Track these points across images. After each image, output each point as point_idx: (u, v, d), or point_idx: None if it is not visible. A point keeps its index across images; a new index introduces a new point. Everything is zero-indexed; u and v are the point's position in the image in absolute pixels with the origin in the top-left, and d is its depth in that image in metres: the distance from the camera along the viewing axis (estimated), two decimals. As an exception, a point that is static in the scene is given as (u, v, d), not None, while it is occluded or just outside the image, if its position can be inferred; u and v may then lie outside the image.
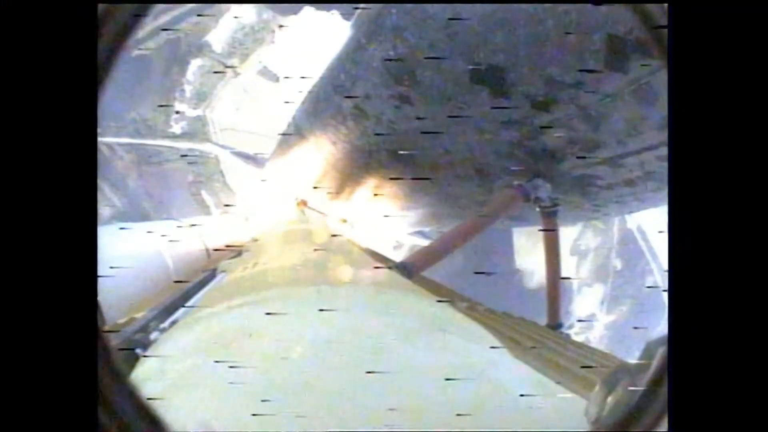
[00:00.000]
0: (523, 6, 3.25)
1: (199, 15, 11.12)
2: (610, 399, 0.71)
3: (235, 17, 11.50)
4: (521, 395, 0.99)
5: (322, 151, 7.15)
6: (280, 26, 11.64)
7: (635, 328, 15.48)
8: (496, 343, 1.58)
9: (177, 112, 11.28)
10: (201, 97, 11.42)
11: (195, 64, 11.41)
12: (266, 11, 11.59)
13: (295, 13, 11.67)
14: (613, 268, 15.51)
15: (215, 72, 11.41)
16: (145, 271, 4.13)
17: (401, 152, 5.60)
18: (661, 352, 0.67)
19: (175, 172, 11.77)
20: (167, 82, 11.34)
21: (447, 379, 0.99)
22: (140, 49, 10.85)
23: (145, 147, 11.35)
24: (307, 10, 11.62)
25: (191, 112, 11.44)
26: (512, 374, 1.20)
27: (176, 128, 11.23)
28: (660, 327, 15.94)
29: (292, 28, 11.76)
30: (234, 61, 11.73)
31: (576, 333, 14.87)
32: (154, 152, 11.63)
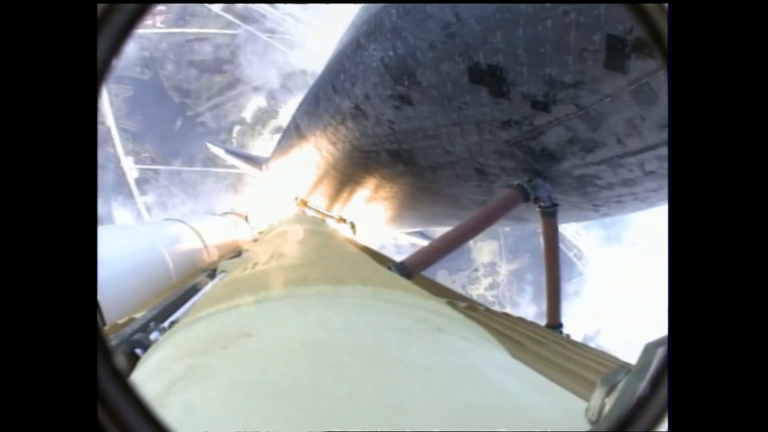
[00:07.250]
0: (523, 6, 3.26)
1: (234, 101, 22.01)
2: (609, 399, 0.71)
3: (258, 105, 22.59)
4: (521, 395, 0.99)
5: (322, 151, 7.15)
6: (282, 105, 22.34)
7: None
8: (496, 343, 1.58)
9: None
10: (243, 147, 20.25)
11: (236, 129, 22.12)
12: (272, 99, 22.61)
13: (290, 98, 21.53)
14: (502, 230, 20.78)
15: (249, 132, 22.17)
16: (145, 271, 4.13)
17: (401, 152, 5.60)
18: (661, 352, 0.67)
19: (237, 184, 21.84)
20: (220, 139, 21.02)
21: (446, 380, 0.99)
22: (200, 118, 20.95)
23: (215, 173, 21.68)
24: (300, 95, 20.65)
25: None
26: (512, 374, 1.20)
27: (228, 163, 19.04)
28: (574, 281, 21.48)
29: (291, 104, 20.38)
30: (258, 127, 22.54)
31: (483, 275, 23.07)
32: (223, 175, 21.76)
